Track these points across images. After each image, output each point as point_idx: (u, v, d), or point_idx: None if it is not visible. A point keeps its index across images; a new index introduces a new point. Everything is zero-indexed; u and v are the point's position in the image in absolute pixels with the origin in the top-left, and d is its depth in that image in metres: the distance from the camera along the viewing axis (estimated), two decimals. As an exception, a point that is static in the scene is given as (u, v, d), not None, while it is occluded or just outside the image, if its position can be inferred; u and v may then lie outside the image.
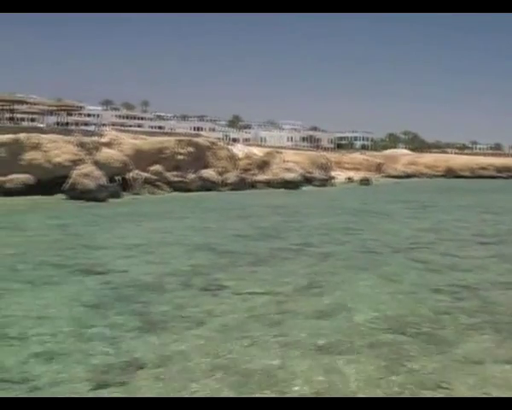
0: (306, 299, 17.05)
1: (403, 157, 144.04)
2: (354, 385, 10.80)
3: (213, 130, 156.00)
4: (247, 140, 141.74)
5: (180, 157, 72.41)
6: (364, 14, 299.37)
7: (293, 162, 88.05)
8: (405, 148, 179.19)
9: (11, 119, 75.66)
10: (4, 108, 76.22)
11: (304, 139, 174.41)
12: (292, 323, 14.55)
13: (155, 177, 69.10)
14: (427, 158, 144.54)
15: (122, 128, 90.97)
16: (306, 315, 15.20)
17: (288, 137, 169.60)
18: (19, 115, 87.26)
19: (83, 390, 10.43)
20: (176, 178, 70.91)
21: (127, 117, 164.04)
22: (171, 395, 10.17)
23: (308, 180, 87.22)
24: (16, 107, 78.59)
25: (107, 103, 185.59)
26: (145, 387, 10.63)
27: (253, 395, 10.18)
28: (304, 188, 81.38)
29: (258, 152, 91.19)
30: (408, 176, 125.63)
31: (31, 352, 12.36)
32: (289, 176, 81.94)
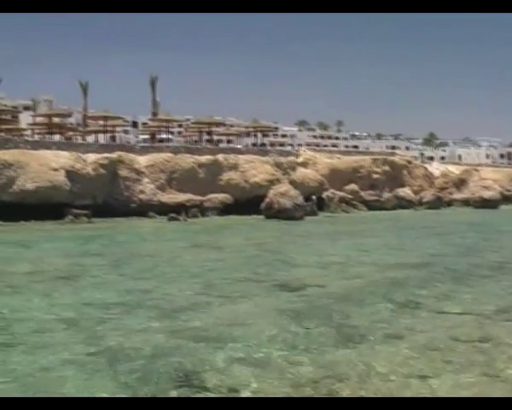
0: (509, 325, 16.07)
1: None
2: None
3: (408, 148, 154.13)
4: (442, 158, 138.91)
5: (376, 176, 72.35)
6: None
7: (491, 180, 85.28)
8: None
9: (209, 141, 78.38)
10: (203, 130, 79.06)
11: (502, 156, 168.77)
12: (494, 351, 13.51)
13: (351, 196, 69.30)
14: None
15: (317, 148, 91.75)
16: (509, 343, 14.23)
17: (485, 155, 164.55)
18: (216, 137, 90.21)
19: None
20: (371, 197, 70.89)
21: (322, 137, 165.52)
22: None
23: (507, 198, 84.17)
24: (214, 129, 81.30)
25: (302, 124, 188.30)
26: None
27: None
28: (502, 206, 78.49)
29: (454, 170, 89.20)
30: None
31: (227, 357, 12.58)
32: (487, 194, 79.43)
